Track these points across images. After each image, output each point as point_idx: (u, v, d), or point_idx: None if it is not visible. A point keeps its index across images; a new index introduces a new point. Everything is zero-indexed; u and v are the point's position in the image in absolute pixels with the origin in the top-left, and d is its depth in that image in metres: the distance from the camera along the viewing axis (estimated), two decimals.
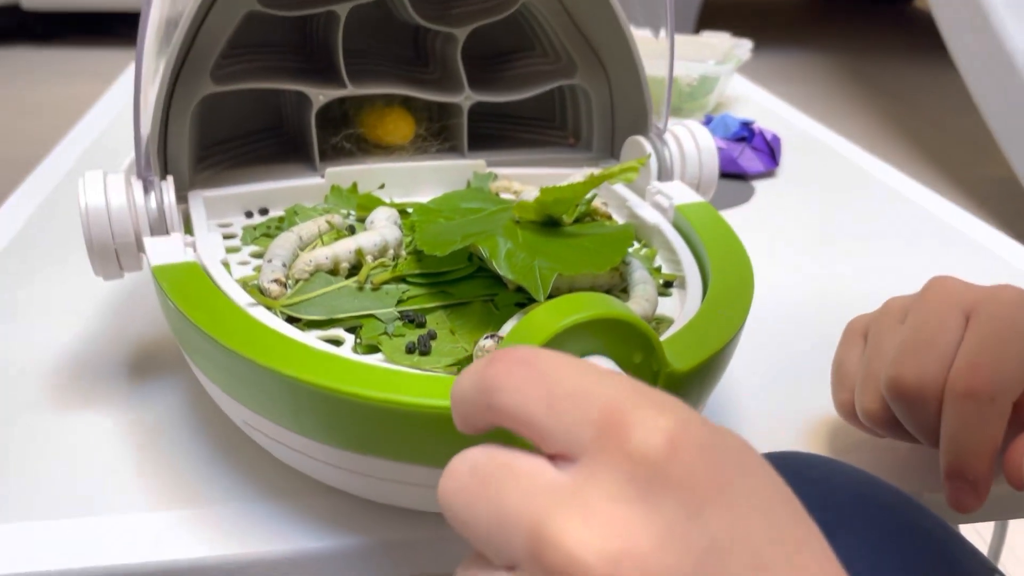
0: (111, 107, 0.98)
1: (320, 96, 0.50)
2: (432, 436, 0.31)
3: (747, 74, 1.19)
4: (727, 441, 0.21)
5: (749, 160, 0.81)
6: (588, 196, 0.50)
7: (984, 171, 2.16)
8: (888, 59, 3.39)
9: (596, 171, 0.50)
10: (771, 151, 0.82)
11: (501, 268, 0.38)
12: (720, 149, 0.81)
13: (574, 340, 0.31)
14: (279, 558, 0.36)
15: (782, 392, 0.48)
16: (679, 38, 1.16)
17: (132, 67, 1.19)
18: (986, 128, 1.90)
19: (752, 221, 0.73)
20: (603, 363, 0.31)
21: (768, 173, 0.82)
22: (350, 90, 0.51)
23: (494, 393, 0.22)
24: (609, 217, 0.49)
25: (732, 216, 0.73)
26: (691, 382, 0.34)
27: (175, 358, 0.49)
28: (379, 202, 0.50)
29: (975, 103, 1.91)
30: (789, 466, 0.32)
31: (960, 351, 0.35)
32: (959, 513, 0.35)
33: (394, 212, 0.48)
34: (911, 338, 0.36)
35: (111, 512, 0.38)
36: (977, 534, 0.90)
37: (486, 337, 0.34)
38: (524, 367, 0.22)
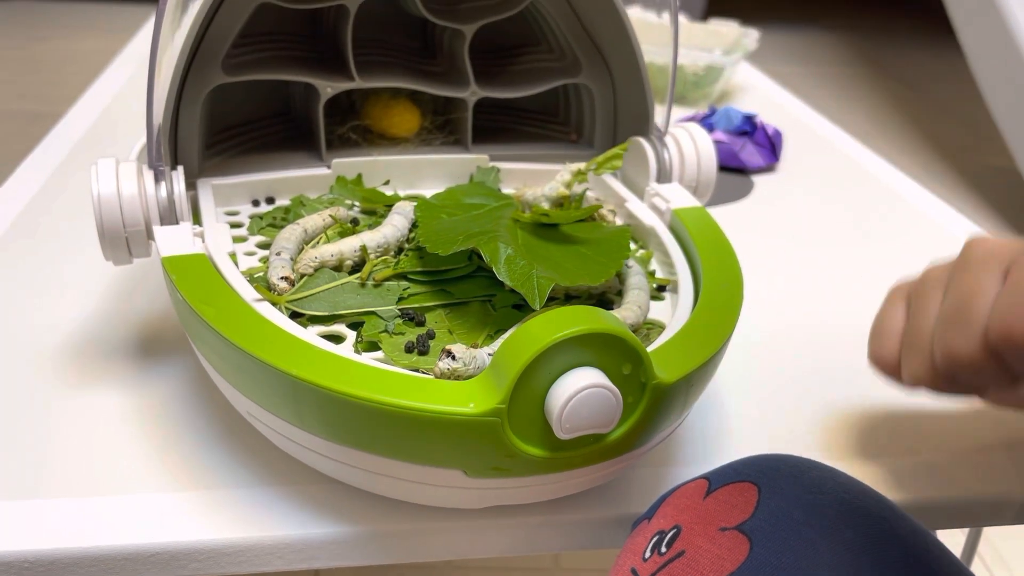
0: (122, 71, 0.98)
1: (328, 88, 0.51)
2: (423, 436, 0.33)
3: (754, 53, 1.18)
4: None
5: (750, 155, 0.82)
6: (580, 191, 0.52)
7: (986, 160, 2.16)
8: (897, 42, 3.37)
9: (582, 165, 0.51)
10: (772, 146, 0.83)
11: (501, 275, 0.39)
12: (722, 143, 0.82)
13: (566, 352, 0.32)
14: (277, 543, 0.38)
15: (771, 394, 0.49)
16: (687, 24, 1.16)
17: (146, 25, 1.19)
18: (991, 117, 1.90)
19: (750, 216, 0.74)
20: (591, 374, 0.32)
21: (768, 168, 0.83)
22: (358, 83, 0.51)
23: None
24: (612, 216, 0.50)
25: (731, 211, 0.74)
26: (678, 392, 0.35)
27: (180, 339, 0.50)
28: (383, 196, 0.51)
29: (981, 92, 1.91)
30: (788, 467, 0.34)
31: (994, 304, 0.34)
32: None
33: (410, 211, 0.48)
34: (952, 311, 0.36)
35: (114, 493, 0.39)
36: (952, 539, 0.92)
37: (447, 358, 0.35)
38: None
